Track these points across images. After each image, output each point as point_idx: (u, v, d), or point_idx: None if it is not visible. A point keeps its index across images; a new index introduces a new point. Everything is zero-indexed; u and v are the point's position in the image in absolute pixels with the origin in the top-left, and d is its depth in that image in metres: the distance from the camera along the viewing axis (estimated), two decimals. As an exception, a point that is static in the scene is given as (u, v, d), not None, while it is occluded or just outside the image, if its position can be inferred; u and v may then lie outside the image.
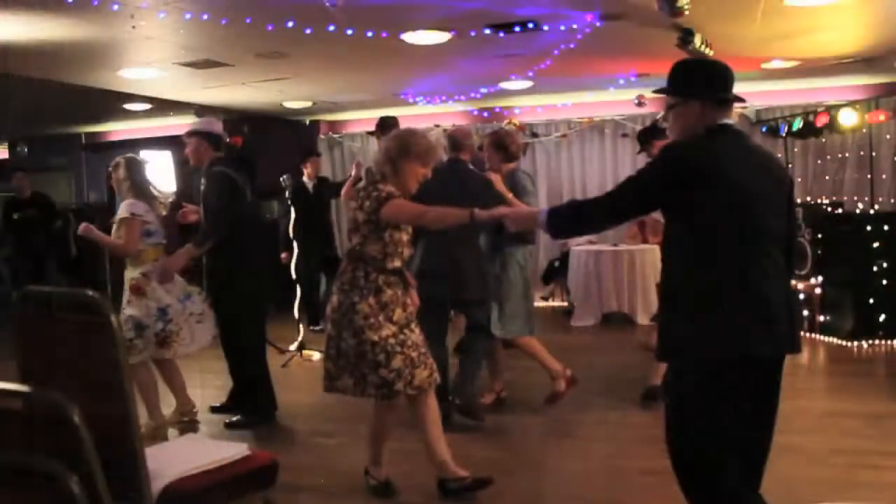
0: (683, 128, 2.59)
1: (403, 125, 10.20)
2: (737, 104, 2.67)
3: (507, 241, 5.03)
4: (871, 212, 8.29)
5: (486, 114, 10.38)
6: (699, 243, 2.45)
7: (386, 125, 6.02)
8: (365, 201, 3.59)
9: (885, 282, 7.03)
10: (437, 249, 4.60)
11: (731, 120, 2.59)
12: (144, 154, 7.23)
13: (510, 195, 4.85)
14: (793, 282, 8.33)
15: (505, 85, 8.48)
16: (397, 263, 3.67)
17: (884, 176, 8.93)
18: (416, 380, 3.58)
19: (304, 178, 8.45)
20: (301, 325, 7.25)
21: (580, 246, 8.82)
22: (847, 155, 9.13)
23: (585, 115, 10.06)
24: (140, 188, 4.87)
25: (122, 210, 4.82)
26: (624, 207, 2.60)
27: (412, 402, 3.68)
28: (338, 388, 3.66)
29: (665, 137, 5.03)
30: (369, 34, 5.94)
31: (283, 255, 7.70)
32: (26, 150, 11.85)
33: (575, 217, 2.69)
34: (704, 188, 2.40)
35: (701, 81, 2.56)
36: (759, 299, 2.39)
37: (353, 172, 6.38)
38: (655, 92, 2.77)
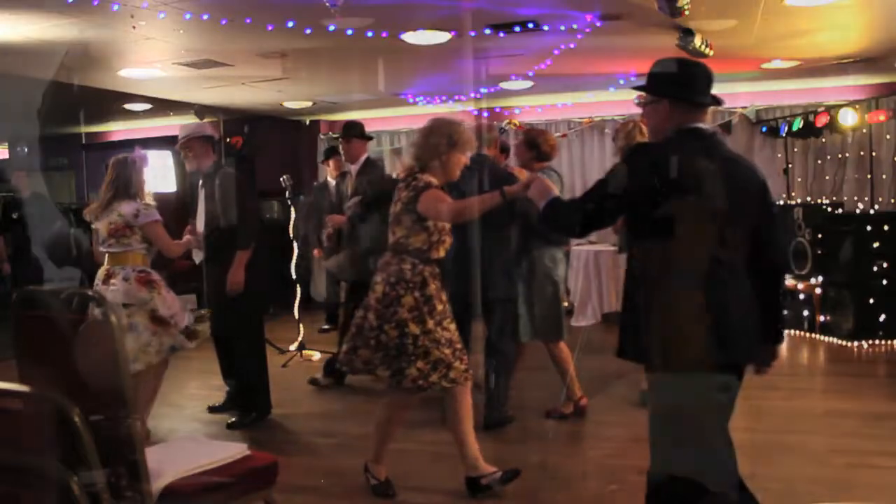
0: (654, 128, 2.55)
1: (403, 125, 10.38)
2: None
3: (534, 242, 4.92)
4: (871, 212, 8.28)
5: (486, 114, 10.37)
6: (654, 251, 2.40)
7: (350, 131, 5.88)
8: (403, 191, 3.63)
9: (885, 282, 7.04)
10: (468, 247, 4.59)
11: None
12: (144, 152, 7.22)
13: None
14: (792, 282, 8.20)
15: (505, 85, 8.48)
16: (441, 254, 3.71)
17: (884, 176, 8.92)
18: (451, 372, 3.61)
19: (328, 178, 8.46)
20: (301, 325, 7.25)
21: (580, 246, 8.81)
22: (847, 155, 9.11)
23: (585, 115, 10.05)
24: (115, 192, 4.59)
25: None
26: (594, 211, 2.49)
27: (447, 396, 3.69)
28: (377, 375, 3.68)
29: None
30: (369, 34, 5.94)
31: (316, 252, 7.69)
32: (26, 150, 11.84)
33: (558, 214, 2.61)
34: (658, 194, 2.34)
35: (674, 81, 2.50)
36: (711, 309, 2.33)
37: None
38: (633, 88, 2.73)
